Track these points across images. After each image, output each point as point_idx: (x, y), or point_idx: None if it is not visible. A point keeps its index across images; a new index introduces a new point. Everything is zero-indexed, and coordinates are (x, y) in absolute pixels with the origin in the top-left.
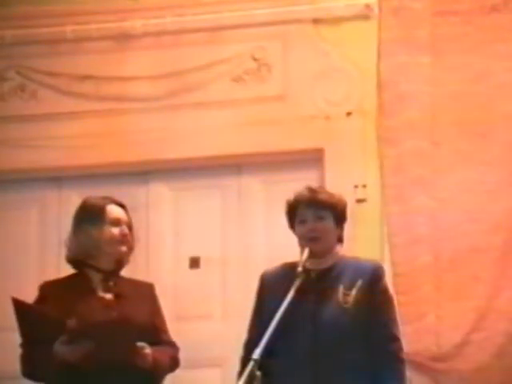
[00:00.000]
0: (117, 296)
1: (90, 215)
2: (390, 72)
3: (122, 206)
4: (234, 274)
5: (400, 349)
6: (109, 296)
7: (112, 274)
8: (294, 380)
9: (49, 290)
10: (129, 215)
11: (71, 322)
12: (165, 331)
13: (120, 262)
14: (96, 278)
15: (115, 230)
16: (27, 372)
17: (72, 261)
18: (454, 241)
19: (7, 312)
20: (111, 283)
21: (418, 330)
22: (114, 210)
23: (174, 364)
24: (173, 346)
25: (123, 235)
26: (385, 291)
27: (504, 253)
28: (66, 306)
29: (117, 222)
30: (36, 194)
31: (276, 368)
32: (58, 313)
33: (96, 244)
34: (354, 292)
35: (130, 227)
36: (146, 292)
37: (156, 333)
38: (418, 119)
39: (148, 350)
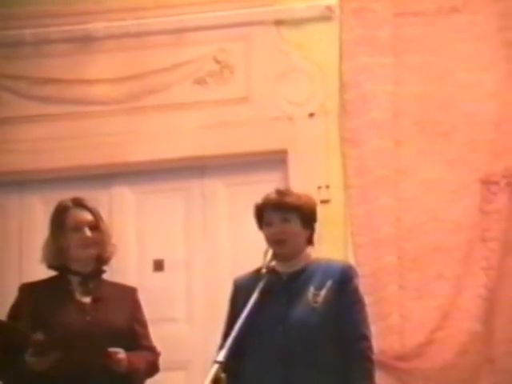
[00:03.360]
0: (95, 300)
1: (54, 222)
2: (352, 73)
3: (85, 206)
4: (198, 276)
5: (369, 348)
6: (86, 299)
7: (91, 277)
8: (264, 380)
9: (27, 291)
10: (96, 215)
11: (36, 336)
12: (145, 336)
13: (98, 264)
14: (75, 281)
15: (75, 236)
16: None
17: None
18: (418, 240)
19: None
20: (90, 286)
21: (382, 330)
22: (74, 215)
23: (152, 369)
24: (153, 351)
25: (84, 239)
26: (355, 291)
27: (467, 251)
28: (42, 309)
29: (77, 227)
30: None
31: (246, 369)
32: (28, 318)
33: (64, 250)
34: (323, 292)
35: (96, 227)
36: (127, 296)
37: (135, 337)
38: (380, 119)
39: (122, 355)
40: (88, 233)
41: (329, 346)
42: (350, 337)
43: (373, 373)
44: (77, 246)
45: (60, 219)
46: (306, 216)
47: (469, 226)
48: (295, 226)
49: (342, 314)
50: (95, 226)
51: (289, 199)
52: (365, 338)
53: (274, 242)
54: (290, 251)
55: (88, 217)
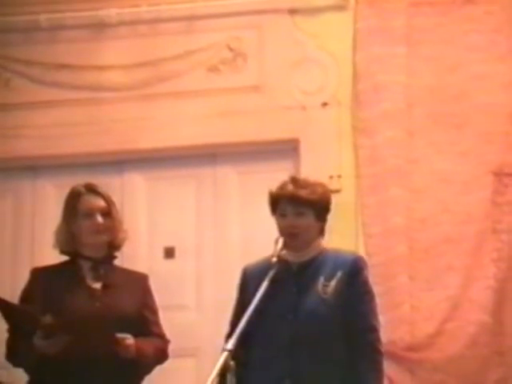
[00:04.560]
0: (105, 285)
1: (67, 208)
2: (365, 63)
3: (98, 192)
4: (208, 264)
5: (378, 339)
6: (96, 285)
7: (102, 263)
8: (273, 369)
9: (38, 275)
10: (108, 201)
11: (45, 319)
12: (155, 323)
13: (110, 250)
14: (86, 266)
15: (87, 222)
16: (10, 359)
17: (61, 250)
18: (429, 231)
19: None
20: (101, 272)
21: (392, 320)
22: (86, 201)
23: (161, 356)
24: (162, 338)
25: (95, 225)
26: (365, 282)
27: (477, 243)
28: (53, 293)
29: (89, 213)
30: (10, 183)
31: (254, 357)
32: (39, 302)
33: (76, 236)
34: (333, 283)
35: (108, 213)
36: (138, 283)
37: (145, 324)
38: (393, 110)
39: (130, 341)
40: (100, 219)
41: (338, 336)
42: (358, 328)
43: (381, 364)
44: (88, 232)
45: (72, 205)
46: (321, 210)
47: (480, 218)
48: (308, 220)
49: (352, 304)
50: (107, 213)
51: (304, 192)
52: (373, 329)
53: (287, 234)
54: (301, 244)
55: (100, 203)
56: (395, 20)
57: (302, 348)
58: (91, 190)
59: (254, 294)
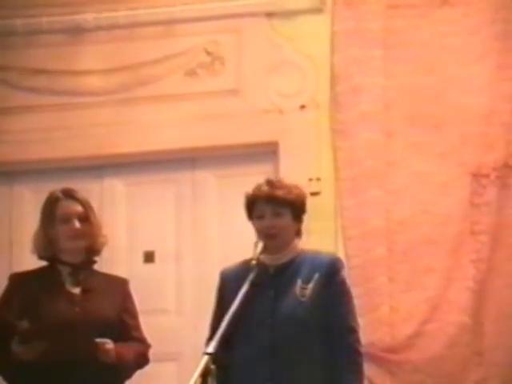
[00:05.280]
0: (84, 290)
1: (44, 214)
2: (343, 65)
3: (75, 198)
4: (188, 268)
5: (357, 340)
6: (76, 290)
7: (81, 268)
8: (252, 372)
9: (17, 281)
10: (86, 206)
11: (22, 324)
12: (135, 327)
13: (89, 255)
14: (65, 271)
15: (65, 227)
16: None
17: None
18: (408, 233)
19: None
20: (81, 277)
21: (371, 322)
22: (63, 206)
23: (142, 360)
24: (143, 342)
25: (73, 230)
26: (342, 283)
27: (456, 244)
28: (31, 299)
29: (67, 218)
30: None
31: (235, 361)
32: (17, 307)
33: (54, 241)
34: (311, 285)
35: (85, 218)
36: (118, 287)
37: (125, 329)
38: (371, 112)
39: (110, 346)
40: (77, 224)
41: (316, 339)
42: (337, 329)
43: (361, 365)
44: (66, 238)
45: (50, 210)
46: (297, 210)
47: (459, 219)
48: (286, 220)
49: (330, 306)
50: (85, 218)
51: (280, 192)
52: (352, 330)
53: (265, 235)
54: (280, 244)
55: (78, 208)
56: (372, 22)
57: (281, 351)
58: (69, 195)
59: (232, 298)
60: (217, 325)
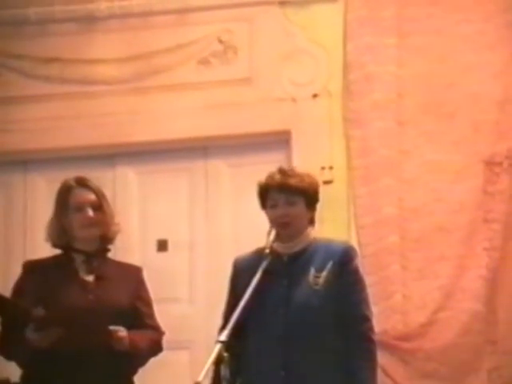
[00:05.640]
0: (98, 278)
1: (58, 203)
2: (356, 53)
3: (88, 186)
4: (201, 256)
5: (370, 329)
6: (89, 278)
7: (95, 256)
8: (265, 361)
9: (31, 268)
10: (99, 194)
11: (37, 311)
12: (149, 315)
13: (103, 243)
14: (78, 259)
15: (78, 216)
16: (2, 352)
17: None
18: (420, 221)
19: None
20: (95, 264)
21: (384, 310)
22: (76, 195)
23: (155, 348)
24: (157, 330)
25: (86, 219)
26: (355, 272)
27: (469, 232)
28: (45, 286)
29: (80, 207)
30: (1, 177)
31: (248, 349)
32: (31, 295)
33: (67, 230)
34: (324, 273)
35: (99, 207)
36: (132, 275)
37: (138, 316)
38: (384, 100)
39: (123, 333)
40: (90, 213)
41: (330, 327)
42: (351, 318)
43: (374, 353)
44: (79, 226)
45: (63, 199)
46: (311, 198)
47: (471, 207)
48: (300, 209)
49: (343, 294)
50: (98, 206)
51: (293, 181)
52: (366, 318)
53: (278, 224)
54: (293, 233)
55: (91, 197)
56: (385, 10)
57: (295, 340)
58: (82, 183)
59: (245, 286)
60: (229, 313)
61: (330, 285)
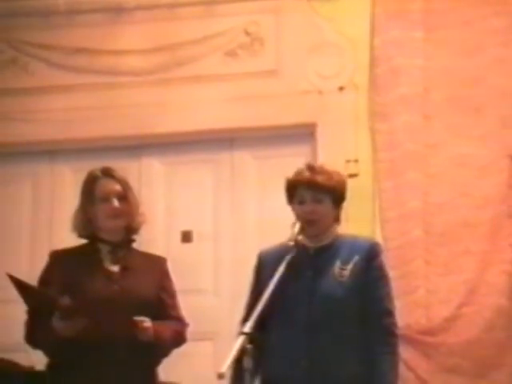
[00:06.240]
0: (123, 268)
1: (83, 193)
2: (382, 47)
3: (114, 176)
4: (226, 248)
5: (393, 323)
6: (115, 268)
7: (120, 246)
8: (289, 349)
9: (57, 258)
10: (124, 185)
11: (63, 300)
12: (173, 306)
13: (128, 234)
14: (104, 249)
15: (104, 207)
16: (29, 341)
17: (79, 234)
18: (445, 215)
19: (4, 285)
20: (120, 255)
21: (408, 304)
22: (102, 186)
23: (179, 339)
24: (181, 321)
25: (112, 209)
26: (381, 267)
27: (494, 227)
28: (71, 276)
29: (106, 198)
30: (29, 167)
31: (271, 341)
32: (57, 284)
33: (93, 220)
34: (350, 266)
35: (124, 197)
36: (156, 266)
37: (163, 307)
38: (410, 94)
39: (148, 324)
40: (116, 203)
41: (354, 320)
42: (374, 312)
43: (397, 347)
44: (105, 217)
45: (89, 189)
46: (338, 196)
47: (497, 202)
48: (327, 207)
49: (368, 289)
50: (123, 197)
51: (321, 178)
52: (389, 313)
53: (306, 221)
54: (319, 231)
55: (116, 187)
56: (413, 4)
57: (318, 330)
58: (107, 174)
59: (269, 279)
60: (252, 305)
61: (356, 278)
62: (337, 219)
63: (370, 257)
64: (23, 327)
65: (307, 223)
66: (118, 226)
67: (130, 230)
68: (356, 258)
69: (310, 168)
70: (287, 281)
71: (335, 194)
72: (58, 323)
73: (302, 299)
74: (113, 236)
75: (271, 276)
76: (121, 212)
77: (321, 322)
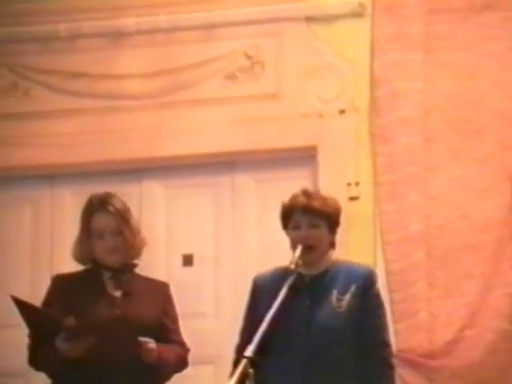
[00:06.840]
0: (125, 293)
1: (81, 225)
2: (383, 69)
3: (108, 210)
4: (226, 271)
5: (390, 354)
6: (117, 293)
7: (122, 271)
8: (285, 381)
9: (59, 282)
10: (119, 218)
11: (68, 320)
12: (175, 331)
13: (129, 259)
14: (106, 274)
15: (99, 243)
16: (32, 363)
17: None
18: (447, 238)
19: (4, 310)
20: (122, 280)
21: (410, 327)
22: (97, 221)
23: (181, 363)
24: (182, 346)
25: (106, 246)
26: (377, 296)
27: (496, 250)
28: (73, 300)
29: (100, 234)
30: (29, 192)
31: (268, 369)
32: (59, 308)
33: (91, 253)
34: (347, 296)
35: (119, 232)
36: (159, 291)
37: (165, 332)
38: (410, 117)
39: (152, 345)
40: (110, 240)
41: (350, 350)
42: (372, 342)
43: (393, 379)
44: (100, 253)
45: (86, 223)
46: (333, 222)
47: (498, 225)
48: (322, 232)
49: (365, 318)
50: (119, 232)
51: (318, 203)
52: (386, 344)
53: (303, 246)
54: (316, 257)
55: (110, 223)
56: (413, 27)
57: (316, 361)
58: (103, 207)
59: (266, 304)
60: (247, 330)
61: (353, 308)
62: (332, 245)
63: (367, 285)
64: (24, 352)
65: (304, 249)
66: (115, 261)
67: (131, 257)
68: (353, 286)
69: (306, 193)
70: (286, 308)
71: (331, 220)
72: (62, 344)
73: (300, 329)
74: (114, 262)
75: (267, 301)
76: (116, 248)
77: (318, 353)
